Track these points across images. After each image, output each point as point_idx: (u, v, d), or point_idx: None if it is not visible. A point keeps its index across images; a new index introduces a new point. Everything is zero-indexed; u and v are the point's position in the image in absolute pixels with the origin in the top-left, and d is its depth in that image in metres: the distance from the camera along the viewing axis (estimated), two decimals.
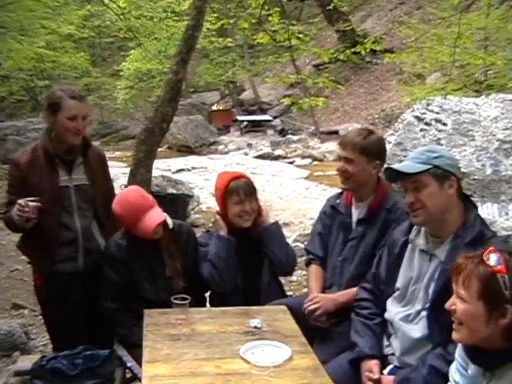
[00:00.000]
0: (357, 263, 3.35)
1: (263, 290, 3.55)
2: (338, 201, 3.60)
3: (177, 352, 2.61)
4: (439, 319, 2.60)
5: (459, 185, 2.72)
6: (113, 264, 3.40)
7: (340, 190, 3.66)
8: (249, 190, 3.57)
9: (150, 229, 3.30)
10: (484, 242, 2.55)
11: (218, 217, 3.64)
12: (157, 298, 3.32)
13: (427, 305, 2.67)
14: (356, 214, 3.46)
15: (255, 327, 2.86)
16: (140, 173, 7.23)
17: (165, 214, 3.48)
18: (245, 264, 3.58)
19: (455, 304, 2.08)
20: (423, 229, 2.80)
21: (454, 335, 2.13)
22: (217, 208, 3.75)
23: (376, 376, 2.70)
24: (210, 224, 3.79)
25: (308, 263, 3.66)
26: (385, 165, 3.15)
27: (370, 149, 3.33)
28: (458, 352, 2.27)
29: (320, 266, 3.58)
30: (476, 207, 2.77)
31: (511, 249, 5.05)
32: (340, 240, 3.48)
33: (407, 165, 2.70)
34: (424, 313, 2.68)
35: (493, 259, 2.01)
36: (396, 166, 2.73)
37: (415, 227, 2.84)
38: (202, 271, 3.51)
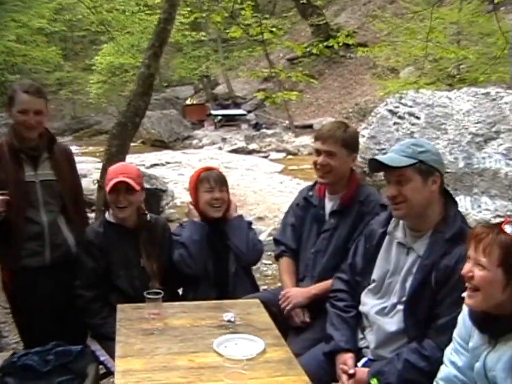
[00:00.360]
0: (329, 255, 3.36)
1: (231, 280, 3.60)
2: (311, 193, 3.60)
3: (150, 347, 2.60)
4: (416, 313, 2.61)
5: (442, 181, 2.72)
6: (90, 250, 3.44)
7: (312, 183, 3.67)
8: (220, 180, 3.66)
9: (111, 184, 3.38)
10: (464, 239, 2.56)
11: (191, 206, 3.71)
12: (131, 287, 3.38)
13: (403, 298, 2.67)
14: (329, 206, 3.46)
15: (229, 321, 2.86)
16: None
17: (144, 208, 3.57)
18: (215, 253, 3.63)
19: (472, 271, 2.12)
20: (401, 221, 2.80)
21: (467, 301, 2.16)
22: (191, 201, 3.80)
23: (351, 370, 2.71)
24: (185, 219, 3.78)
25: (279, 255, 3.65)
26: (358, 157, 3.15)
27: (350, 141, 3.35)
28: (457, 331, 2.30)
29: (292, 259, 3.58)
30: (456, 203, 2.78)
31: None
32: (314, 233, 3.48)
33: (392, 158, 2.68)
34: (400, 306, 2.69)
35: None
36: (381, 157, 2.70)
37: (393, 219, 2.84)
38: (174, 257, 3.57)
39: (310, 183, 3.69)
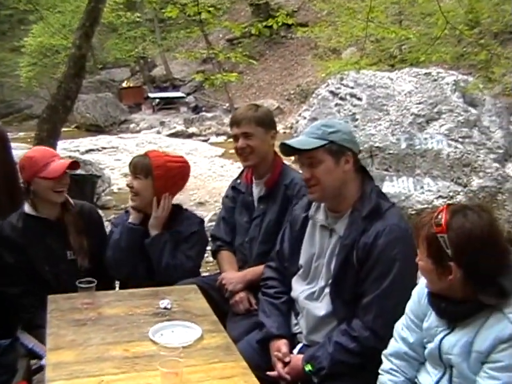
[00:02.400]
0: (260, 241, 3.39)
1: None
2: (239, 181, 3.63)
3: (83, 338, 2.55)
4: (341, 294, 2.64)
5: (356, 160, 2.73)
6: (7, 246, 3.27)
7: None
8: (139, 167, 3.43)
9: (62, 167, 3.23)
10: (381, 215, 2.61)
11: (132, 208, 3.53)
12: (58, 283, 3.22)
13: (330, 281, 2.71)
14: (256, 192, 3.49)
15: (165, 308, 2.83)
16: None
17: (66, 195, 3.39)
18: (148, 257, 3.46)
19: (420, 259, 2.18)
20: (322, 204, 2.83)
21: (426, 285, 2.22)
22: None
23: (287, 358, 2.73)
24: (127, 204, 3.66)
25: (216, 251, 3.64)
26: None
27: (264, 119, 3.38)
28: (410, 308, 2.32)
29: (230, 251, 3.59)
30: (372, 180, 2.81)
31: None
32: (245, 220, 3.51)
33: (302, 141, 2.69)
34: (327, 290, 2.72)
35: (437, 220, 2.08)
36: (290, 141, 2.72)
37: (314, 203, 2.86)
38: (106, 253, 3.47)
39: None
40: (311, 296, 2.78)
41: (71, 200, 3.44)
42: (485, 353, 2.02)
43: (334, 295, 2.66)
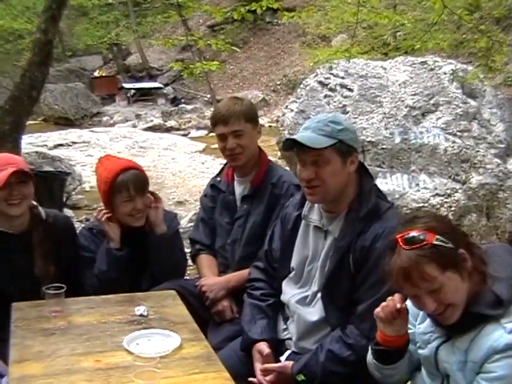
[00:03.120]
0: (244, 244, 3.39)
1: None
2: (218, 178, 3.62)
3: (51, 349, 2.55)
4: (335, 299, 2.66)
5: (358, 160, 2.75)
6: None
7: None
8: (141, 184, 3.36)
9: (3, 178, 3.08)
10: (380, 216, 2.62)
11: (107, 226, 3.38)
12: (24, 298, 3.09)
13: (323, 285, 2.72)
14: (239, 190, 3.49)
15: (141, 315, 2.83)
16: (5, 149, 6.95)
17: (36, 203, 3.33)
18: (130, 267, 3.43)
19: (434, 303, 2.10)
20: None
21: (446, 322, 2.15)
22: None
23: (270, 362, 2.73)
24: (92, 218, 3.58)
25: (195, 254, 3.64)
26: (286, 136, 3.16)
27: (251, 113, 3.39)
28: (408, 304, 2.32)
29: (211, 255, 3.59)
30: (372, 178, 2.82)
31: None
32: (226, 221, 3.51)
33: (310, 137, 2.64)
34: (321, 294, 2.73)
35: (416, 237, 2.09)
36: (298, 137, 2.67)
37: (307, 201, 2.85)
38: (84, 282, 3.40)
39: None
40: (303, 301, 2.80)
41: (43, 212, 3.37)
42: (479, 363, 2.05)
43: (327, 300, 2.68)
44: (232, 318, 3.30)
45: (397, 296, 2.21)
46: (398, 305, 2.19)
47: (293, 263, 2.88)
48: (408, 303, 2.26)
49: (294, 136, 2.69)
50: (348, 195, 2.71)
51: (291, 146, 2.70)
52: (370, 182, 2.77)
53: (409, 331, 2.31)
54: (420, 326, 2.30)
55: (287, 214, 2.96)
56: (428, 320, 2.25)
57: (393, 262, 2.12)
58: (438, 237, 2.07)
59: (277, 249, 2.98)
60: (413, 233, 2.09)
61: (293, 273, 2.89)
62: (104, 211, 3.40)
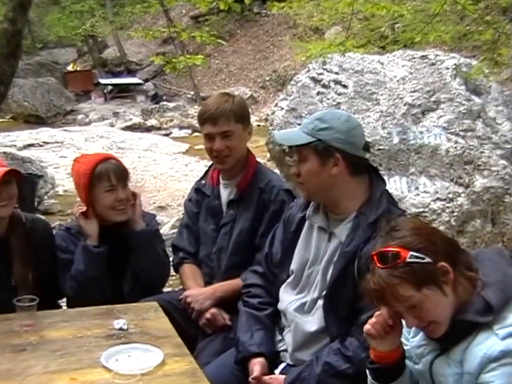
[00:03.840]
0: (230, 253, 3.40)
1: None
2: (203, 181, 3.62)
3: (21, 366, 2.54)
4: (337, 308, 2.68)
5: (352, 162, 2.74)
6: None
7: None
8: (122, 174, 3.42)
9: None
10: (390, 222, 2.65)
11: (82, 222, 3.43)
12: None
13: (324, 292, 2.73)
14: (225, 194, 3.49)
15: (120, 329, 2.83)
16: None
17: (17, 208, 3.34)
18: (111, 269, 3.45)
19: (415, 319, 2.14)
20: (321, 204, 2.86)
21: (432, 336, 2.19)
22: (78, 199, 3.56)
23: (255, 374, 2.74)
24: (69, 220, 3.60)
25: (179, 263, 3.63)
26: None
27: (243, 113, 3.39)
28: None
29: (195, 264, 3.59)
30: (383, 182, 2.85)
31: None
32: (211, 228, 3.51)
33: (290, 133, 2.81)
34: (321, 302, 2.74)
35: (389, 256, 2.11)
36: (280, 133, 2.82)
37: (312, 202, 2.89)
38: (63, 285, 3.41)
39: None
40: (301, 308, 2.81)
41: (23, 216, 3.39)
42: (475, 374, 2.06)
43: (328, 309, 2.70)
44: (225, 325, 3.30)
45: (384, 311, 2.22)
46: (390, 322, 2.21)
47: (293, 265, 2.90)
48: None
49: (275, 132, 2.79)
50: (354, 197, 2.75)
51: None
52: (381, 186, 2.81)
53: (405, 347, 2.32)
54: (413, 339, 2.32)
55: (290, 216, 2.99)
56: (421, 333, 2.27)
57: (367, 282, 2.17)
58: (412, 253, 2.09)
59: (277, 252, 3.00)
60: (386, 250, 2.12)
61: (291, 277, 2.90)
62: (79, 205, 3.44)
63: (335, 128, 2.72)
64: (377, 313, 2.23)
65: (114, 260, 3.45)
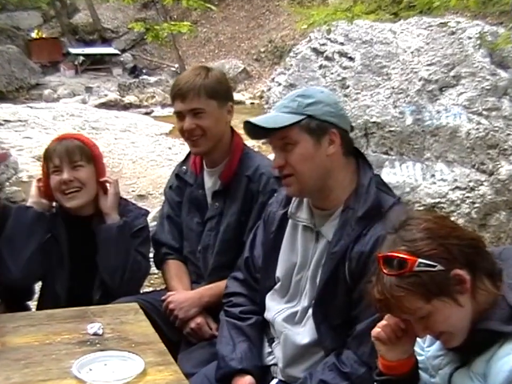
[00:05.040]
0: (217, 252, 3.39)
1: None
2: (184, 167, 3.61)
3: None
4: (328, 317, 2.66)
5: (346, 140, 2.72)
6: None
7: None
8: (68, 153, 3.40)
9: None
10: (382, 215, 2.60)
11: (35, 184, 3.50)
12: None
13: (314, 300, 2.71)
14: (209, 184, 3.48)
15: (95, 334, 2.82)
16: None
17: None
18: (77, 270, 3.44)
19: (423, 330, 2.12)
20: (305, 199, 2.83)
21: (448, 346, 2.18)
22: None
23: None
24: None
25: (161, 260, 3.63)
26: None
27: (217, 88, 3.35)
28: None
29: (180, 261, 3.59)
30: (370, 168, 2.80)
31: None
32: (196, 221, 3.51)
33: (272, 117, 2.70)
34: (311, 310, 2.72)
35: (395, 262, 2.09)
36: (256, 119, 2.71)
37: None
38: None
39: None
40: (291, 318, 2.79)
41: None
42: None
43: (319, 318, 2.67)
44: (212, 336, 3.30)
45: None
46: (402, 325, 2.17)
47: (278, 272, 2.87)
48: None
49: (250, 119, 2.71)
50: (341, 188, 2.71)
51: (255, 133, 2.74)
52: (369, 172, 2.75)
53: (419, 358, 2.30)
54: (429, 349, 2.29)
55: (270, 213, 2.96)
56: (438, 342, 2.24)
57: (372, 288, 2.13)
58: (421, 261, 2.04)
59: (259, 256, 2.98)
60: (393, 256, 2.08)
61: (278, 284, 2.87)
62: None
63: (323, 101, 2.69)
64: (388, 315, 2.20)
65: (80, 259, 3.46)
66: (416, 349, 2.29)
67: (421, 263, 2.03)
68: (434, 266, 2.04)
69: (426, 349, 2.30)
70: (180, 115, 3.35)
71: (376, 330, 2.22)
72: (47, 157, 3.45)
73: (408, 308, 2.05)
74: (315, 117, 2.65)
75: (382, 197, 2.68)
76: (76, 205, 3.42)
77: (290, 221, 2.85)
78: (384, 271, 2.07)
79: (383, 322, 2.21)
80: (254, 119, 2.70)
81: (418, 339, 2.28)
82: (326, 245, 2.70)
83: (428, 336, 2.27)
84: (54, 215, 3.51)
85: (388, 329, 2.20)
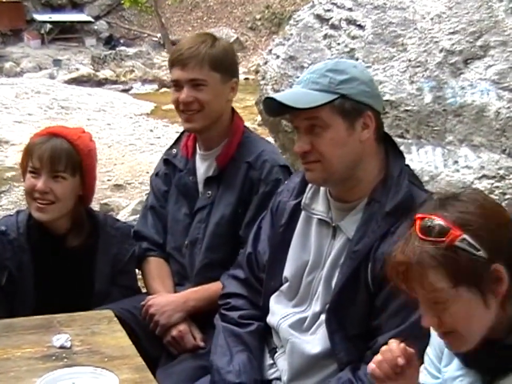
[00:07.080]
0: (207, 247, 3.41)
1: None
2: (174, 150, 3.64)
3: None
4: (344, 325, 2.65)
5: (378, 124, 2.73)
6: None
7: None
8: (57, 161, 3.33)
9: None
10: (414, 211, 2.59)
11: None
12: None
13: (328, 305, 2.69)
14: (202, 169, 3.51)
15: (62, 347, 2.82)
16: None
17: None
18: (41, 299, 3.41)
19: (431, 318, 2.08)
20: (322, 188, 2.82)
21: (451, 348, 2.16)
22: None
23: None
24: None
25: (141, 256, 3.64)
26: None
27: (223, 60, 3.39)
28: (431, 341, 2.30)
29: (162, 258, 3.61)
30: (402, 156, 2.81)
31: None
32: (183, 212, 3.53)
33: (300, 94, 2.66)
34: (324, 316, 2.71)
35: (434, 228, 2.05)
36: (281, 95, 2.70)
37: (310, 185, 2.85)
38: None
39: None
40: (300, 325, 2.79)
41: None
42: None
43: (334, 326, 2.66)
44: (195, 347, 3.30)
45: (395, 344, 2.17)
46: (401, 361, 2.14)
47: (287, 271, 2.87)
48: (434, 337, 2.25)
49: (273, 95, 2.69)
50: (367, 177, 2.71)
51: (275, 109, 2.72)
52: (400, 161, 2.76)
53: (436, 381, 2.29)
54: (446, 369, 2.27)
55: (280, 203, 2.96)
56: (456, 360, 2.22)
57: (395, 248, 2.09)
58: (465, 237, 2.00)
59: (264, 252, 2.99)
60: (434, 221, 2.04)
61: (286, 285, 2.87)
62: None
63: (358, 78, 2.69)
64: (384, 348, 2.18)
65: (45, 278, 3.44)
66: (433, 371, 2.29)
67: (465, 239, 2.00)
68: (478, 250, 2.00)
69: (443, 370, 2.28)
70: (177, 84, 3.39)
71: (370, 366, 2.18)
72: (28, 152, 3.39)
73: (430, 283, 2.00)
74: (349, 96, 2.64)
75: (413, 191, 2.67)
76: (44, 219, 3.40)
77: (303, 213, 2.86)
78: (419, 234, 2.03)
79: (378, 357, 2.18)
80: (279, 96, 2.69)
81: (434, 359, 2.26)
82: (345, 243, 2.70)
83: (445, 353, 2.25)
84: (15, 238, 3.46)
85: (384, 365, 2.16)
